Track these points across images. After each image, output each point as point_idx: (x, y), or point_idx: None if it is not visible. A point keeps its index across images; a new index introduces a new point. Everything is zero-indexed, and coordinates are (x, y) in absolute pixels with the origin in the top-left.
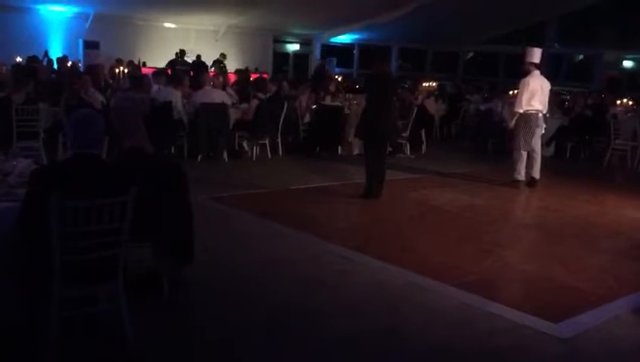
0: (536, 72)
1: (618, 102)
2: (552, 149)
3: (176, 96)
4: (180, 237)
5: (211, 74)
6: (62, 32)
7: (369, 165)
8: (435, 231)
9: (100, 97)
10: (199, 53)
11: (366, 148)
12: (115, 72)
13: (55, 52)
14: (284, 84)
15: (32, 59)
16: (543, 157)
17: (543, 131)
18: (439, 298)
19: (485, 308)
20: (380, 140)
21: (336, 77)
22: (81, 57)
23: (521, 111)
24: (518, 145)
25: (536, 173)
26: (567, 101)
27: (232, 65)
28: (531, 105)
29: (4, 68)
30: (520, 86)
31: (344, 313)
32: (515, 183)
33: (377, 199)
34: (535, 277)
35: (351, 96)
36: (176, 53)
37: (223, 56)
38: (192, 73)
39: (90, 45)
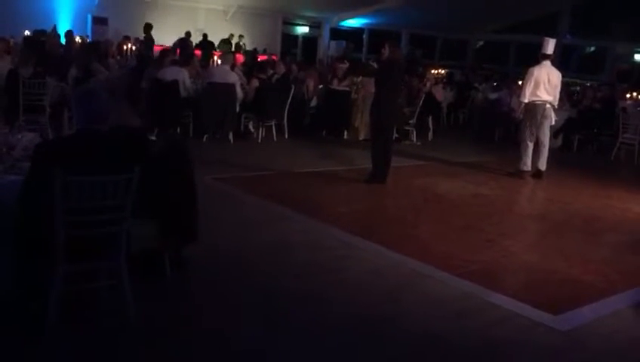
0: (546, 63)
1: (628, 95)
2: (559, 141)
3: (183, 75)
4: (184, 215)
5: (217, 54)
6: (71, 7)
7: (380, 150)
8: (439, 219)
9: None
10: (208, 32)
11: (380, 134)
12: (122, 49)
13: (64, 27)
14: (294, 66)
15: (39, 33)
16: (550, 149)
17: (553, 123)
18: (440, 286)
19: (485, 297)
20: (387, 125)
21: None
22: (89, 33)
23: (525, 100)
24: (524, 135)
25: (543, 165)
26: (577, 93)
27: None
28: (537, 96)
29: (12, 41)
30: (525, 76)
31: (343, 299)
32: (521, 174)
33: (382, 184)
34: (537, 268)
35: (359, 80)
36: (186, 33)
37: (240, 37)
38: (199, 52)
39: (99, 21)
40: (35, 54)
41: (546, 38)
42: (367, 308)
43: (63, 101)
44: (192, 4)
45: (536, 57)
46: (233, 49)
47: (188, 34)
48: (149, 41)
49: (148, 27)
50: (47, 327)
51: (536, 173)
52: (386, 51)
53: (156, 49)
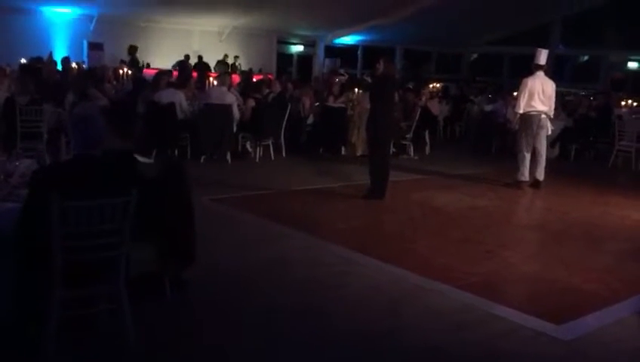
0: (539, 73)
1: (623, 103)
2: (556, 151)
3: (180, 97)
4: (182, 238)
5: (212, 75)
6: (66, 33)
7: (377, 165)
8: (437, 232)
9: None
10: (203, 54)
11: (381, 149)
12: (118, 74)
13: (60, 53)
14: (289, 85)
15: (36, 60)
16: (547, 158)
17: (549, 133)
18: (441, 299)
19: (487, 309)
20: (384, 140)
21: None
22: (85, 58)
23: (520, 111)
24: (521, 146)
25: (540, 175)
26: (571, 102)
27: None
28: (532, 106)
29: (8, 69)
30: (519, 87)
31: (344, 315)
32: (519, 184)
33: (380, 200)
34: (537, 278)
35: (354, 96)
36: (185, 56)
37: (236, 57)
38: (195, 74)
39: (95, 47)
40: (32, 81)
41: (539, 49)
42: (367, 322)
43: (59, 127)
44: (186, 26)
45: (529, 68)
46: (229, 70)
47: (187, 57)
48: (133, 62)
49: (132, 49)
50: (45, 351)
51: (534, 183)
52: (380, 66)
53: (152, 72)
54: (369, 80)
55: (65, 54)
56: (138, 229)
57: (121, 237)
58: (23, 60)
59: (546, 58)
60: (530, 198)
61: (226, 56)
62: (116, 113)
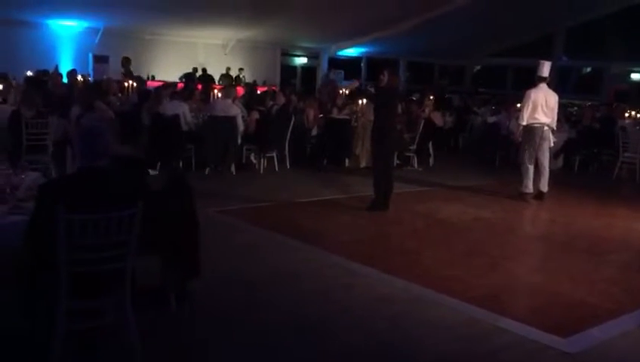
0: (542, 85)
1: (627, 114)
2: (560, 162)
3: (184, 109)
4: (187, 250)
5: (217, 87)
6: (72, 46)
7: (381, 177)
8: (442, 244)
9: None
10: (207, 66)
11: (387, 159)
12: (123, 86)
13: (65, 66)
14: (293, 97)
15: (41, 73)
16: (550, 170)
17: (552, 144)
18: (446, 312)
19: (493, 322)
20: (387, 151)
21: (344, 89)
22: (90, 71)
23: (523, 123)
24: (524, 158)
25: (544, 187)
26: (574, 114)
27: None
28: (535, 118)
29: (15, 82)
30: (523, 99)
31: (348, 327)
32: (523, 196)
33: (384, 211)
34: (543, 290)
35: (358, 108)
36: (193, 69)
37: (240, 70)
38: (199, 86)
39: (100, 59)
40: (38, 95)
41: (541, 61)
42: (372, 335)
43: (65, 139)
44: (191, 39)
45: (532, 80)
46: (233, 82)
47: (194, 69)
48: (127, 74)
49: (126, 61)
50: None
51: (538, 195)
52: (384, 78)
53: (156, 84)
54: (373, 91)
55: (70, 67)
56: (143, 241)
57: (128, 250)
58: (29, 73)
59: (549, 70)
60: (534, 210)
61: (228, 68)
62: (122, 125)
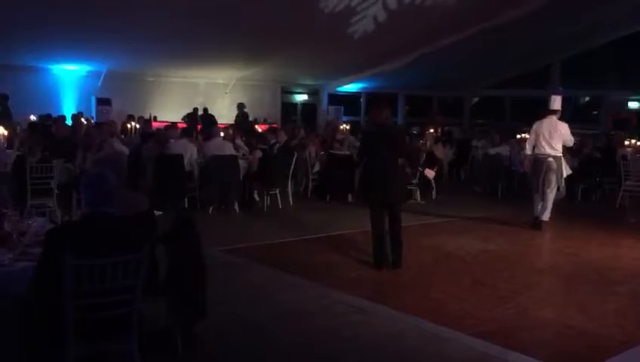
0: (550, 117)
1: (627, 142)
2: (563, 192)
3: (191, 149)
4: (193, 292)
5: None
6: (75, 89)
7: (375, 228)
8: (450, 278)
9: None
10: (209, 105)
11: (370, 210)
12: (126, 128)
13: (69, 109)
14: (302, 131)
15: (45, 118)
16: (554, 199)
17: (565, 174)
18: (457, 347)
19: (504, 357)
20: (385, 201)
21: (344, 125)
22: (93, 114)
23: (528, 153)
24: (532, 188)
25: (543, 215)
26: (575, 143)
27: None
28: (539, 149)
29: (19, 128)
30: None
31: None
32: (535, 221)
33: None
34: (553, 323)
35: (358, 143)
36: (194, 108)
37: (241, 105)
38: (199, 127)
39: (103, 102)
40: (41, 141)
41: (553, 96)
42: None
43: (70, 182)
44: (192, 79)
45: (535, 112)
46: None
47: (196, 109)
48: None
49: (2, 98)
50: None
51: (535, 223)
52: (373, 115)
53: (159, 125)
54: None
55: (73, 110)
56: (150, 284)
57: (134, 294)
58: (33, 117)
59: (560, 103)
60: (540, 241)
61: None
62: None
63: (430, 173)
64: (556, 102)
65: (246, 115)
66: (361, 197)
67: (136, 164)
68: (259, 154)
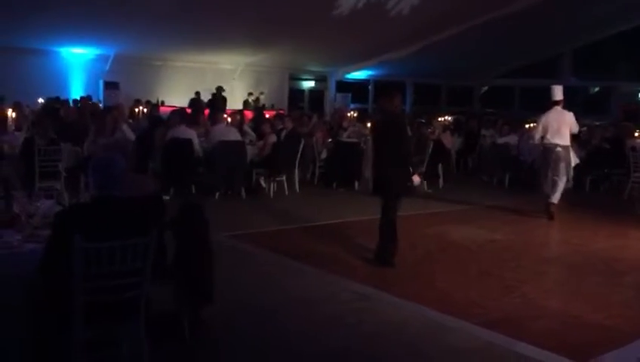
0: (556, 108)
1: (636, 133)
2: (571, 183)
3: (190, 135)
4: (200, 277)
5: (228, 111)
6: (83, 73)
7: (384, 221)
8: (455, 267)
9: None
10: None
11: (384, 200)
12: (134, 112)
13: (77, 92)
14: (313, 118)
15: (54, 101)
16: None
17: (573, 163)
18: (462, 336)
19: (509, 347)
20: (388, 191)
21: (352, 112)
22: (101, 98)
23: (535, 143)
24: (541, 178)
25: (555, 199)
26: (582, 133)
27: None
28: (547, 139)
29: (28, 109)
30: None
31: (364, 353)
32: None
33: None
34: (559, 314)
35: (366, 130)
36: (196, 93)
37: (261, 93)
38: (206, 111)
39: (111, 86)
40: (51, 124)
41: (552, 86)
42: (387, 361)
43: (78, 165)
44: (200, 64)
45: (544, 102)
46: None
47: (198, 94)
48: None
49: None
50: None
51: (547, 207)
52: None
53: (167, 110)
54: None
55: (81, 93)
56: (157, 269)
57: (142, 277)
58: (41, 100)
59: (561, 92)
60: (547, 231)
61: (250, 94)
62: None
63: (416, 180)
64: (558, 92)
65: (224, 99)
66: (373, 187)
67: (145, 149)
68: (273, 138)
